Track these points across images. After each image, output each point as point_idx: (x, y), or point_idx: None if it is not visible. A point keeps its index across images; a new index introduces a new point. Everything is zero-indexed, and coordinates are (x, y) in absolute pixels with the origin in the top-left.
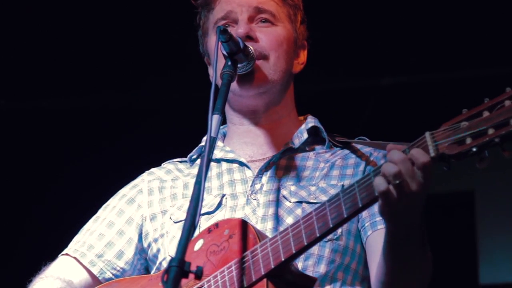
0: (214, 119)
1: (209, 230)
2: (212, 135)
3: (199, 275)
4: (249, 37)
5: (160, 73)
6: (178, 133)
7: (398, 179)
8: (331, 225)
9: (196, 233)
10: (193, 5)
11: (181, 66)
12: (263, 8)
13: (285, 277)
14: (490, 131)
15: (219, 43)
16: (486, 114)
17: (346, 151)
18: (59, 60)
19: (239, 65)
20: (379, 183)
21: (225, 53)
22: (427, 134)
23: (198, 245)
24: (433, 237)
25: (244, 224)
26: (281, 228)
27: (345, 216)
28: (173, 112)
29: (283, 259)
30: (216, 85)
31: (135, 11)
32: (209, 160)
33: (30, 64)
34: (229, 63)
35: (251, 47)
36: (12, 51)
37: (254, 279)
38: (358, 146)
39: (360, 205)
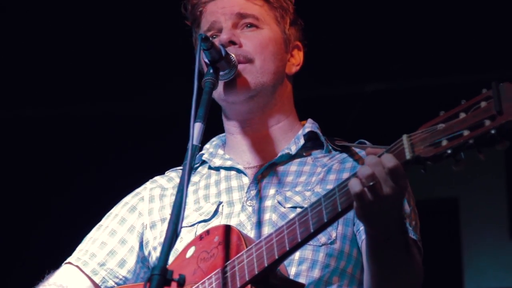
0: (196, 127)
1: (200, 237)
2: (194, 143)
3: (181, 283)
4: (233, 42)
5: (166, 82)
6: (183, 142)
7: (371, 181)
8: (312, 230)
9: (190, 240)
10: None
11: (186, 74)
12: (246, 13)
13: (270, 282)
14: (465, 133)
15: (201, 51)
16: (462, 116)
17: (344, 155)
18: (67, 69)
19: (221, 73)
20: (354, 184)
21: (207, 61)
22: (404, 137)
23: (190, 252)
24: None
25: (232, 231)
26: None
27: (326, 220)
28: (178, 121)
29: (266, 265)
30: (198, 93)
31: (136, 19)
32: (191, 168)
33: (31, 73)
34: (211, 70)
35: (232, 55)
36: (10, 59)
37: (239, 285)
38: (357, 150)
39: (340, 210)
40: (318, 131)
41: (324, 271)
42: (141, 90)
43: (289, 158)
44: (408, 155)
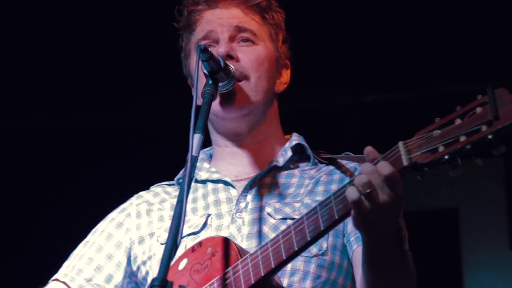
0: (196, 138)
1: (192, 249)
2: (194, 154)
3: None
4: (230, 56)
5: (151, 95)
6: (169, 155)
7: (368, 188)
8: (308, 239)
9: (181, 252)
10: (176, 27)
11: (171, 87)
12: (244, 27)
13: None
14: (462, 138)
15: (200, 62)
16: (458, 121)
17: (331, 167)
18: (64, 80)
19: (220, 84)
20: (351, 192)
21: (206, 72)
22: (400, 143)
23: (182, 264)
24: (418, 254)
25: (226, 242)
26: None
27: (322, 228)
28: (164, 134)
29: (262, 274)
30: (196, 104)
31: (132, 28)
32: (191, 179)
33: (27, 85)
34: (210, 82)
35: (232, 66)
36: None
37: None
38: (343, 162)
39: (337, 217)
40: (305, 144)
41: (316, 282)
42: (129, 102)
43: (276, 170)
44: (405, 162)
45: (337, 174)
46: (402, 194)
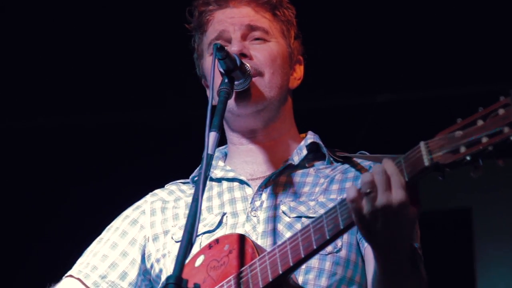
0: (211, 136)
1: (209, 246)
2: (209, 152)
3: None
4: (243, 55)
5: (164, 93)
6: (184, 154)
7: (368, 188)
8: (328, 237)
9: (198, 249)
10: (188, 29)
11: (185, 86)
12: (256, 25)
13: None
14: (484, 140)
15: (216, 60)
16: (480, 123)
17: (346, 166)
18: (66, 79)
19: (236, 82)
20: (349, 190)
21: (222, 70)
22: (422, 143)
23: (199, 261)
24: (431, 253)
25: (243, 239)
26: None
27: (342, 227)
28: (179, 133)
29: (281, 272)
30: (212, 104)
31: (141, 29)
32: (206, 177)
33: (32, 83)
34: (226, 80)
35: (248, 65)
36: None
37: None
38: (359, 160)
39: None
40: (320, 142)
41: (331, 279)
42: (139, 102)
43: (292, 169)
44: (426, 162)
45: (352, 172)
46: (406, 202)
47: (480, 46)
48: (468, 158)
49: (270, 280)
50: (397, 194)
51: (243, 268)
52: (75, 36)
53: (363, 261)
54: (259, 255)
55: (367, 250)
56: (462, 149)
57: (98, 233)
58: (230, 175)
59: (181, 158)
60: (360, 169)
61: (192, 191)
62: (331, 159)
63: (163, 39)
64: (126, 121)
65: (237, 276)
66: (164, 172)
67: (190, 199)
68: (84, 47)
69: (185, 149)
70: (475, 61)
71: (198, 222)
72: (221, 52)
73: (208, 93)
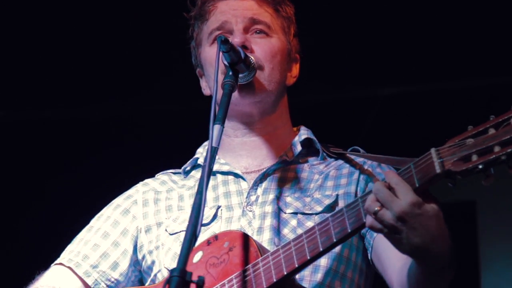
0: (216, 129)
1: (208, 242)
2: (214, 145)
3: (200, 285)
4: (245, 47)
5: (154, 84)
6: (171, 144)
7: (376, 207)
8: (334, 240)
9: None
10: (186, 17)
11: (175, 76)
12: (258, 19)
13: None
14: (496, 149)
15: (220, 53)
16: (492, 131)
17: (340, 162)
18: (58, 70)
19: (240, 75)
20: (368, 220)
21: (226, 63)
22: (433, 150)
23: (197, 257)
24: None
25: (245, 237)
26: (277, 239)
27: (349, 231)
28: (166, 123)
29: (285, 273)
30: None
31: (133, 21)
32: (211, 170)
33: (27, 75)
34: (230, 73)
35: (252, 57)
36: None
37: None
38: (352, 156)
39: (365, 220)
40: (314, 138)
41: (327, 275)
42: (129, 92)
43: (286, 164)
44: (438, 169)
45: (346, 168)
46: (418, 200)
47: (485, 39)
48: (480, 166)
49: (274, 280)
50: (407, 198)
51: (245, 267)
52: (61, 31)
53: (357, 257)
54: (261, 255)
55: (377, 239)
56: (474, 157)
57: (87, 220)
58: (225, 168)
59: (166, 149)
60: (354, 165)
61: (184, 182)
62: (325, 154)
63: (147, 30)
64: (110, 112)
65: (239, 275)
66: (151, 161)
67: (183, 190)
68: (58, 40)
69: (169, 140)
70: (479, 54)
71: (202, 216)
72: (225, 44)
73: (202, 82)
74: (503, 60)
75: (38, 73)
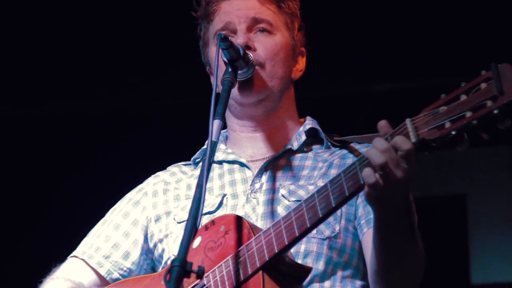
0: (215, 124)
1: (206, 227)
2: (213, 139)
3: (200, 275)
4: (248, 47)
5: (166, 79)
6: (184, 137)
7: (385, 169)
8: (320, 215)
9: None
10: (194, 16)
11: (185, 72)
12: (260, 18)
13: (280, 268)
14: (468, 114)
15: (220, 50)
16: (463, 97)
17: (344, 151)
18: (62, 65)
19: (239, 72)
20: (368, 175)
21: (225, 60)
22: (408, 120)
23: (196, 242)
24: (426, 239)
25: (238, 220)
26: None
27: (334, 205)
28: (178, 117)
29: (276, 251)
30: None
31: (135, 15)
32: (210, 163)
33: (30, 70)
34: (230, 69)
35: (251, 54)
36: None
37: (250, 272)
38: (356, 146)
39: (347, 194)
40: (318, 128)
41: (329, 263)
42: (140, 86)
43: (291, 153)
44: (413, 138)
45: (350, 158)
46: (415, 167)
47: (480, 36)
48: (453, 133)
49: (267, 259)
50: (411, 163)
51: (239, 248)
52: (51, 27)
53: (360, 246)
54: (254, 235)
55: (367, 236)
56: (447, 124)
57: (101, 215)
58: (231, 157)
59: (179, 143)
60: (358, 155)
61: (194, 172)
62: (329, 143)
63: (150, 25)
64: (124, 107)
65: (234, 256)
66: (165, 155)
67: (191, 180)
68: (60, 35)
69: (182, 134)
70: (474, 51)
71: (203, 207)
72: (225, 42)
73: (212, 80)
74: (499, 57)
75: (43, 68)
